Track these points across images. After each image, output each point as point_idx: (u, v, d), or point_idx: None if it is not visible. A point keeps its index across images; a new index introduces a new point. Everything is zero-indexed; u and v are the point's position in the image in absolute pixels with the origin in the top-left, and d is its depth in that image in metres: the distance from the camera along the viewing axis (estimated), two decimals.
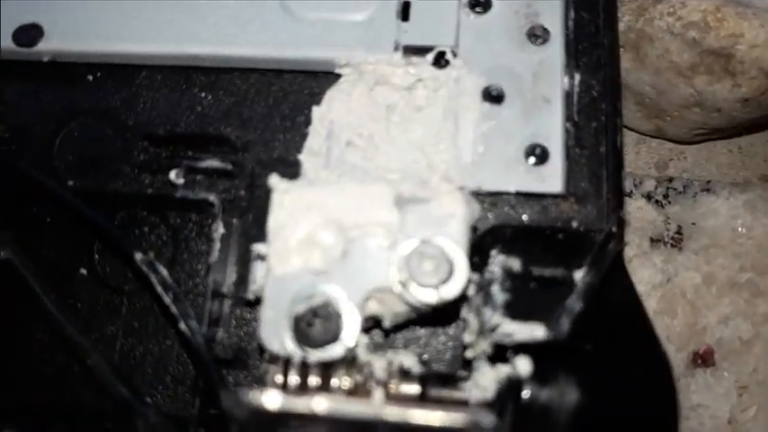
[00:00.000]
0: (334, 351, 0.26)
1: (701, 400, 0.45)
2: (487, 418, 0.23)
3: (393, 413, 0.23)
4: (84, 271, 0.34)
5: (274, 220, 0.28)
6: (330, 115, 0.33)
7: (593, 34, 0.34)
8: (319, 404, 0.22)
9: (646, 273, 0.47)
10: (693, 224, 0.48)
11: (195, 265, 0.33)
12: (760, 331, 0.45)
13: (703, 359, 0.46)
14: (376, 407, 0.23)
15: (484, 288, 0.29)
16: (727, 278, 0.46)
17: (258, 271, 0.29)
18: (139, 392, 0.31)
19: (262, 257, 0.29)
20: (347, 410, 0.22)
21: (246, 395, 0.23)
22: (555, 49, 0.33)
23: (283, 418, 0.23)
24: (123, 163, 0.34)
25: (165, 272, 0.30)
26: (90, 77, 0.35)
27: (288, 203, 0.28)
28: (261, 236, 0.30)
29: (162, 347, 0.33)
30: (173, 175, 0.33)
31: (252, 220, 0.32)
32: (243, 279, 0.31)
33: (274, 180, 0.29)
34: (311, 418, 0.22)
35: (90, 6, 0.35)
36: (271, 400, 0.23)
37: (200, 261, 0.33)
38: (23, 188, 0.34)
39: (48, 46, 0.34)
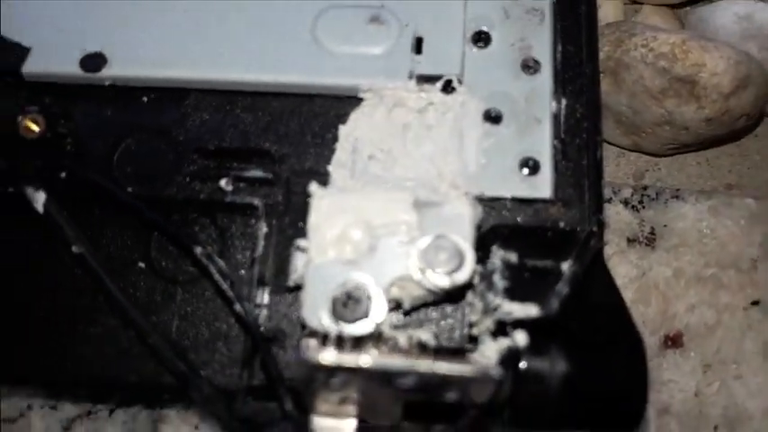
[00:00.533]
0: (365, 327, 0.30)
1: (671, 376, 0.49)
2: (496, 370, 0.28)
3: (423, 365, 0.28)
4: (142, 264, 0.37)
5: (314, 219, 0.32)
6: (354, 133, 0.36)
7: (577, 65, 0.38)
8: (365, 360, 0.28)
9: (623, 268, 0.51)
10: (665, 226, 0.53)
11: (240, 259, 0.37)
12: (721, 318, 0.50)
13: (673, 341, 0.50)
14: (408, 361, 0.28)
15: (486, 277, 0.34)
16: (694, 273, 0.51)
17: (299, 262, 0.33)
18: (194, 368, 0.35)
19: (302, 250, 0.33)
20: (386, 363, 0.28)
21: (305, 352, 0.28)
22: (545, 78, 0.37)
23: (330, 374, 0.27)
24: (176, 173, 0.37)
25: (221, 263, 0.34)
26: (145, 99, 0.39)
27: (324, 206, 0.32)
28: (297, 234, 0.34)
29: (212, 330, 0.36)
30: (223, 182, 0.37)
31: (288, 222, 0.36)
32: (282, 270, 0.35)
33: (314, 187, 0.33)
34: (354, 372, 0.27)
35: (147, 38, 0.39)
36: (326, 355, 0.28)
37: (245, 256, 0.37)
38: (89, 194, 0.38)
39: (110, 72, 0.38)
